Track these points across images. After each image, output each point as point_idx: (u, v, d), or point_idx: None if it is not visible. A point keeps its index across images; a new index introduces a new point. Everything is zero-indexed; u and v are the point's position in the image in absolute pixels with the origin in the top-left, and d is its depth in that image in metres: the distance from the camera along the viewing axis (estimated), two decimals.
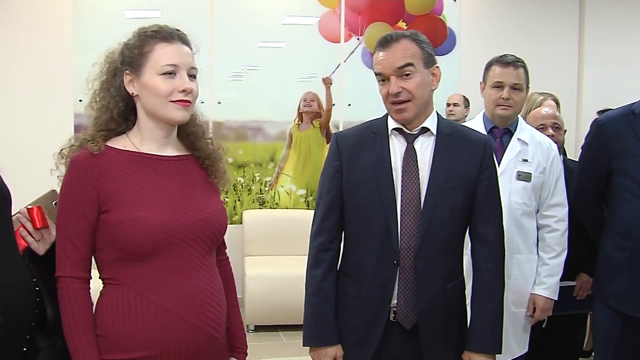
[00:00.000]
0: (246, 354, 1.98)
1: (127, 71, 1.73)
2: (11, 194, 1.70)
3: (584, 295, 3.01)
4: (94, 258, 1.73)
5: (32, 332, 1.69)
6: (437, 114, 2.14)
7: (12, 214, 1.73)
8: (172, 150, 1.81)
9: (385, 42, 2.05)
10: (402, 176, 2.04)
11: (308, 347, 2.15)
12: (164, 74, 1.70)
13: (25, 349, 1.67)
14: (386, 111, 2.14)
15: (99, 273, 1.75)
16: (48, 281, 1.71)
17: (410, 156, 2.06)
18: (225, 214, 1.87)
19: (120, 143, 1.76)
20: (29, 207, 1.76)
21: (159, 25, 1.76)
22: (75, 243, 1.68)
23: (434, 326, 2.05)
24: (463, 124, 2.73)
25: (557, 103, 4.17)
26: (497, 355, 2.10)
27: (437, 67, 2.08)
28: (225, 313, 1.81)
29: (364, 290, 2.07)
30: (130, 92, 1.74)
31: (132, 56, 1.72)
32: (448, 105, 5.58)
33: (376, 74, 2.07)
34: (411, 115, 2.03)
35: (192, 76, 1.76)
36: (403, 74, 2.00)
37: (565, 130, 3.27)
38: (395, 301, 2.03)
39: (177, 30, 1.78)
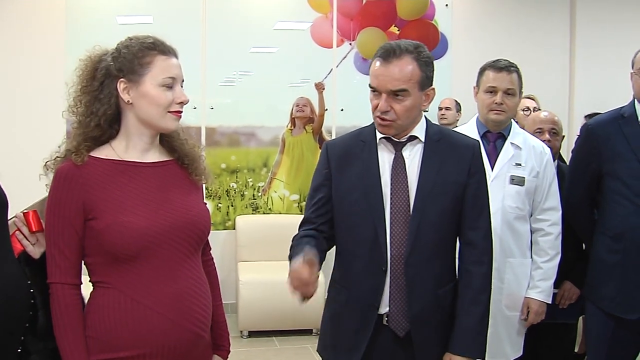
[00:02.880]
0: (229, 352, 2.03)
1: (122, 79, 1.77)
2: (8, 199, 1.74)
3: (566, 304, 2.99)
4: (85, 263, 1.78)
5: (26, 335, 1.71)
6: (427, 119, 2.15)
7: (8, 218, 1.76)
8: (154, 156, 1.87)
9: (386, 55, 2.00)
10: (391, 184, 2.05)
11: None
12: (164, 85, 1.77)
13: (19, 351, 1.70)
14: None
15: (89, 277, 1.80)
16: (41, 286, 1.74)
17: (398, 164, 2.07)
18: (208, 214, 1.93)
19: (103, 152, 1.80)
20: (25, 211, 1.80)
21: (152, 37, 1.82)
22: (63, 251, 1.73)
23: (426, 332, 2.05)
24: (455, 128, 2.74)
25: (535, 101, 4.35)
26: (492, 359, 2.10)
27: (433, 89, 2.08)
28: (210, 313, 1.87)
29: (352, 297, 2.08)
30: (126, 100, 1.78)
31: (131, 65, 1.76)
32: (440, 109, 5.60)
33: (369, 85, 2.06)
34: (393, 132, 2.06)
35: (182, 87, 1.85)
36: (396, 95, 2.00)
37: (564, 136, 3.28)
38: (387, 309, 2.04)
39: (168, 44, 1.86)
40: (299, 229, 2.18)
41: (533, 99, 4.46)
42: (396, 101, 2.00)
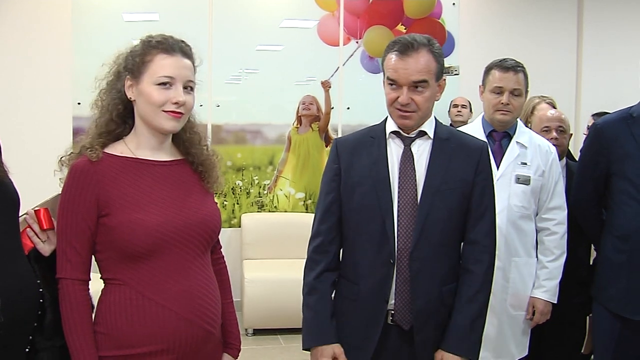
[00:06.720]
0: (239, 350, 2.04)
1: (128, 76, 1.80)
2: (20, 197, 1.75)
3: None
4: (96, 259, 1.79)
5: (34, 333, 1.72)
6: (436, 119, 2.16)
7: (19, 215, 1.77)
8: (165, 155, 1.87)
9: (405, 49, 2.03)
10: (399, 178, 2.07)
11: (308, 351, 2.15)
12: (160, 84, 1.76)
13: (27, 350, 1.70)
14: (384, 116, 2.17)
15: (101, 273, 1.81)
16: (50, 284, 1.75)
17: (407, 158, 2.09)
18: (219, 214, 1.93)
19: (118, 149, 1.82)
20: (36, 208, 1.80)
21: (164, 35, 1.83)
22: (75, 246, 1.73)
23: (428, 328, 2.05)
24: (460, 127, 2.73)
25: (553, 106, 4.25)
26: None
27: (444, 79, 2.12)
28: (220, 310, 1.88)
29: (361, 292, 2.09)
30: (129, 97, 1.80)
31: (134, 63, 1.79)
32: (456, 106, 5.57)
33: (388, 78, 2.07)
34: (412, 124, 2.08)
35: (189, 88, 1.81)
36: (416, 87, 2.02)
37: (572, 134, 3.26)
38: (393, 301, 2.05)
39: (182, 42, 1.84)
40: (309, 244, 2.18)
41: (552, 104, 4.35)
42: (416, 93, 2.03)
